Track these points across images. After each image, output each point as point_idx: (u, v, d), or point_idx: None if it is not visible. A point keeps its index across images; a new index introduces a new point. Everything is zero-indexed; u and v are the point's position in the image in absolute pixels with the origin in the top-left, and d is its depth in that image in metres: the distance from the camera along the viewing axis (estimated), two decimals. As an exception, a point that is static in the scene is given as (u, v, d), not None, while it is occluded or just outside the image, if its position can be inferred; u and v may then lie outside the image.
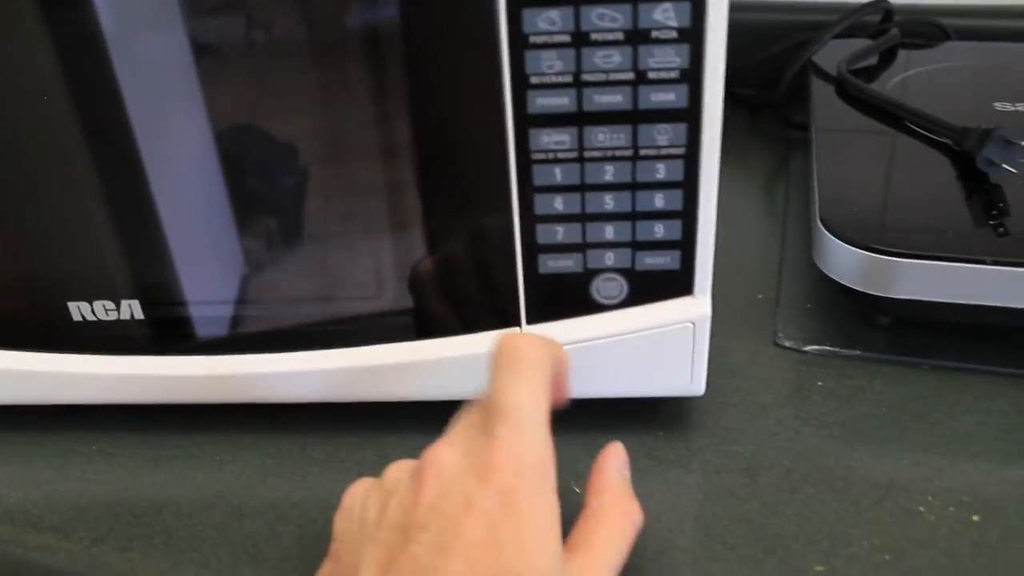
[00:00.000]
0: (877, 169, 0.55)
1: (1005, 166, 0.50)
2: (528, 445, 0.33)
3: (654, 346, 0.41)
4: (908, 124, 0.59)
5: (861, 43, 0.72)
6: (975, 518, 0.41)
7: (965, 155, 0.53)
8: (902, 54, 0.72)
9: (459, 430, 0.34)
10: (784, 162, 0.71)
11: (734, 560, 0.39)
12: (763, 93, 0.76)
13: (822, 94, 0.66)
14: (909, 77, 0.67)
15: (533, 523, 0.32)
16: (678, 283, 0.41)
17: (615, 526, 0.36)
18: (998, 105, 0.60)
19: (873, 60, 0.70)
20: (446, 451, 0.33)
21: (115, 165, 0.40)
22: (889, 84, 0.66)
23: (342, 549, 0.35)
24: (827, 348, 0.51)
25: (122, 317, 0.44)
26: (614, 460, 0.39)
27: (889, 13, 0.75)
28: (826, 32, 0.73)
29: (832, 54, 0.70)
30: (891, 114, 0.60)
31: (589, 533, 0.35)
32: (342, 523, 0.36)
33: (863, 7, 0.74)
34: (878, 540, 0.40)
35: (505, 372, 0.34)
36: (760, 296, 0.55)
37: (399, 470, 0.36)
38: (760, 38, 0.77)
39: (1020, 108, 0.60)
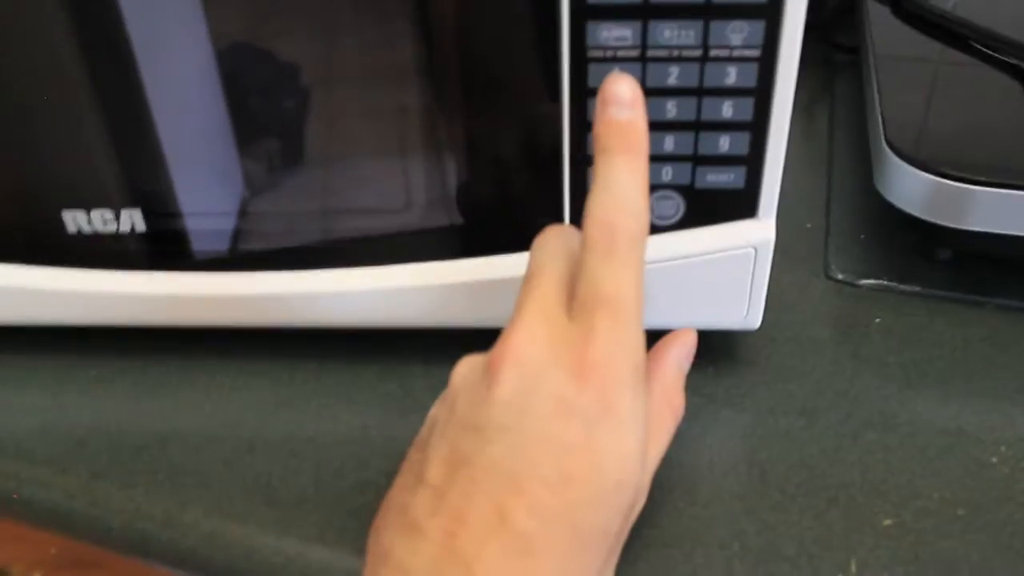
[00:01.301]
0: (942, 92, 0.50)
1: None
2: (630, 341, 0.29)
3: (710, 273, 0.38)
4: (973, 44, 0.54)
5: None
6: (1053, 470, 0.38)
7: (1037, 76, 0.49)
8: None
9: (538, 312, 0.30)
10: (828, 86, 0.67)
11: (795, 510, 0.36)
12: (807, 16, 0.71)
13: (877, 14, 0.61)
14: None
15: (632, 428, 0.29)
16: (741, 204, 0.36)
17: (660, 419, 0.33)
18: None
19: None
20: (528, 341, 0.29)
21: (111, 71, 0.36)
22: (950, 1, 0.61)
23: (413, 452, 0.32)
24: (884, 282, 0.47)
25: (122, 229, 0.40)
26: (677, 349, 0.35)
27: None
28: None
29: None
30: (955, 33, 0.55)
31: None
32: (422, 431, 0.33)
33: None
34: (949, 493, 0.37)
35: (602, 257, 0.29)
36: (809, 226, 0.51)
37: (468, 367, 0.31)
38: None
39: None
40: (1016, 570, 0.34)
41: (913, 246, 0.49)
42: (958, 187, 0.42)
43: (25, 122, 0.38)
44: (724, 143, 0.35)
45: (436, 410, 0.32)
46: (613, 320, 0.29)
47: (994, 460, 0.38)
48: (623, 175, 0.30)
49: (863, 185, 0.46)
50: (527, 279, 0.31)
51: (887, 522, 0.35)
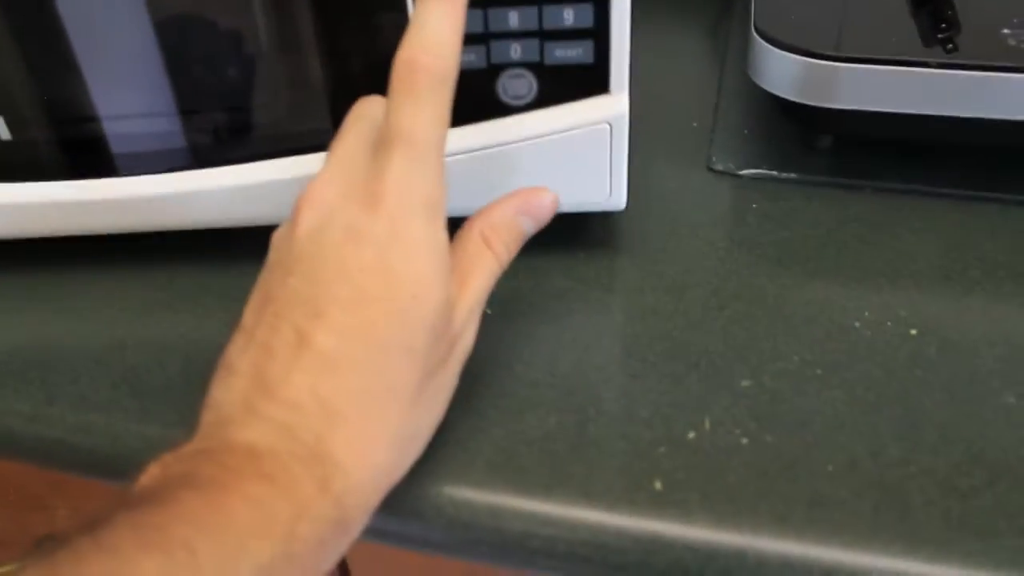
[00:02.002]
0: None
1: (955, -30, 0.46)
2: (421, 176, 0.30)
3: (568, 151, 0.38)
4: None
5: None
6: (913, 332, 0.38)
7: (915, -34, 0.49)
8: None
9: (337, 161, 0.31)
10: (729, 6, 0.67)
11: (653, 376, 0.37)
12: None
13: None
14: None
15: (426, 252, 0.30)
16: (592, 79, 0.37)
17: (475, 254, 0.33)
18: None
19: None
20: (324, 184, 0.31)
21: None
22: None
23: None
24: (763, 171, 0.48)
25: (-9, 139, 0.40)
26: (514, 199, 0.35)
27: None
28: None
29: None
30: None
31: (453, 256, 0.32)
32: None
33: None
34: (809, 355, 0.38)
35: (403, 95, 0.30)
36: (695, 124, 0.51)
37: (281, 227, 0.33)
38: None
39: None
40: (866, 421, 0.35)
41: (794, 136, 0.49)
42: (824, 65, 0.43)
43: None
44: (568, 16, 0.35)
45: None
46: (406, 154, 0.29)
47: (857, 324, 0.39)
48: (433, 17, 0.30)
49: (750, 86, 0.46)
50: (333, 140, 0.32)
51: (745, 383, 0.36)
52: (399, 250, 0.29)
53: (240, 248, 0.42)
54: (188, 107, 0.39)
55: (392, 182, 0.29)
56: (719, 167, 0.48)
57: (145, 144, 0.40)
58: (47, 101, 0.39)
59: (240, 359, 0.29)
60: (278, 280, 0.30)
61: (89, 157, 0.40)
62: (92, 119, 0.40)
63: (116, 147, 0.40)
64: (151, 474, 0.27)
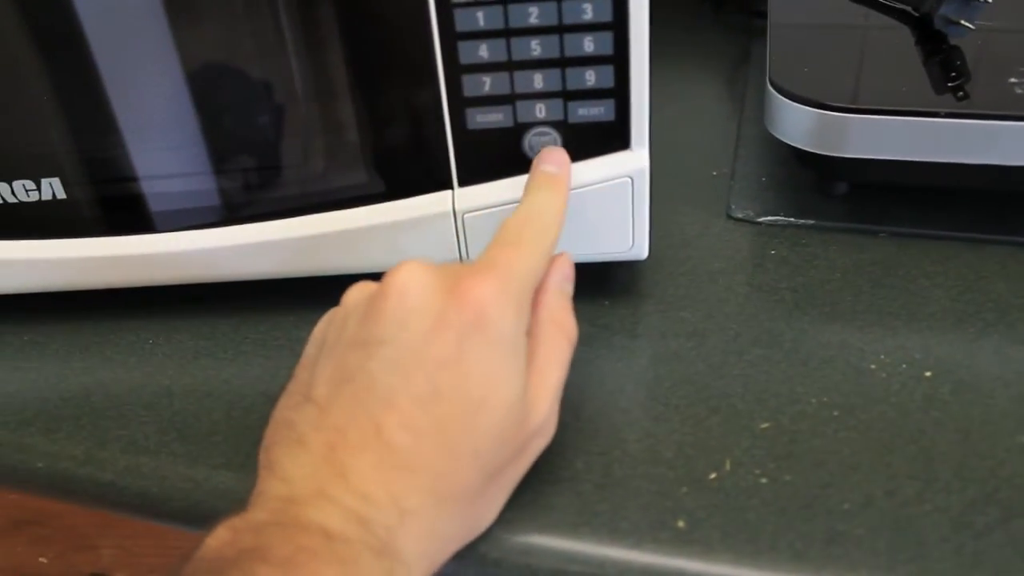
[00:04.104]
0: (832, 34, 0.52)
1: (963, 22, 0.48)
2: (519, 283, 0.32)
3: (592, 204, 0.40)
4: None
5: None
6: (927, 374, 0.40)
7: (923, 19, 0.51)
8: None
9: (425, 262, 0.33)
10: (748, 55, 0.69)
11: (676, 419, 0.38)
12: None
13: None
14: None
15: (504, 350, 0.31)
16: (614, 136, 0.39)
17: (552, 343, 0.34)
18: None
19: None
20: (416, 268, 0.32)
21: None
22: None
23: (301, 371, 0.34)
24: (781, 218, 0.49)
25: (43, 198, 0.42)
26: (554, 274, 0.37)
27: None
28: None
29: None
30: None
31: (529, 352, 0.33)
32: (308, 349, 0.35)
33: None
34: (827, 397, 0.39)
35: (507, 247, 0.33)
36: (715, 173, 0.53)
37: (359, 291, 0.34)
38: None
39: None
40: (881, 460, 0.36)
41: (811, 183, 0.51)
42: (837, 116, 0.45)
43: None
44: (591, 77, 0.37)
45: (323, 328, 0.34)
46: (509, 260, 0.32)
47: (872, 366, 0.40)
48: (540, 198, 0.34)
49: (767, 135, 0.48)
50: None
51: (764, 425, 0.38)
52: (478, 342, 0.30)
53: (277, 297, 0.44)
54: (223, 166, 0.41)
55: (485, 276, 0.31)
56: (739, 215, 0.49)
57: (182, 201, 0.43)
58: (92, 161, 0.42)
59: (313, 435, 0.30)
60: (358, 360, 0.31)
61: (129, 214, 0.43)
62: (132, 179, 0.42)
63: (154, 205, 0.43)
64: (221, 538, 0.28)
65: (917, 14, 0.52)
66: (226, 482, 0.37)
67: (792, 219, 0.49)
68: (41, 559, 0.48)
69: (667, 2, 0.48)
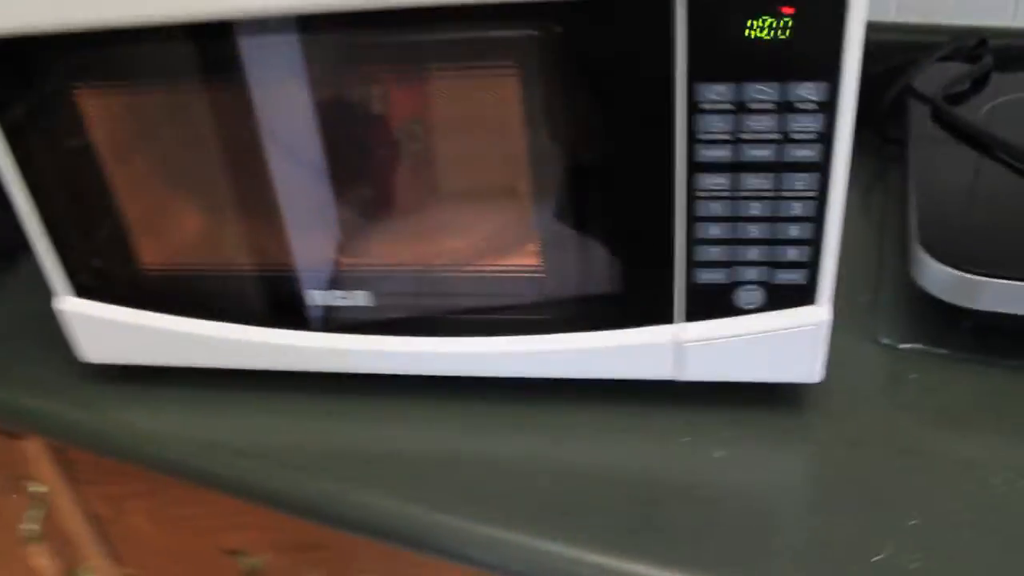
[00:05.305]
0: (969, 195, 0.64)
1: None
2: None
3: (784, 343, 0.53)
4: (999, 154, 0.68)
5: (957, 67, 0.80)
6: (1039, 488, 0.51)
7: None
8: (995, 77, 0.80)
9: None
10: (881, 175, 0.81)
11: (836, 511, 0.50)
12: (863, 110, 0.85)
13: (919, 117, 0.75)
14: (1000, 104, 0.76)
15: None
16: (805, 295, 0.51)
17: None
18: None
19: (966, 85, 0.79)
20: None
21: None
22: (983, 110, 0.75)
23: None
24: (919, 346, 0.61)
25: (352, 303, 0.57)
26: None
27: (983, 40, 0.83)
28: (927, 58, 0.82)
29: (928, 76, 0.78)
30: (983, 143, 0.69)
31: None
32: None
33: (961, 34, 0.83)
34: (961, 503, 0.51)
35: None
36: (862, 300, 0.65)
37: None
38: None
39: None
40: (1007, 558, 0.48)
41: (943, 318, 0.63)
42: (973, 279, 0.56)
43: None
44: (792, 253, 0.50)
45: None
46: None
47: (996, 481, 0.52)
48: None
49: (905, 267, 0.60)
50: None
51: (912, 522, 0.50)
52: None
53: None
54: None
55: None
56: (884, 341, 0.62)
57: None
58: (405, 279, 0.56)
59: None
60: None
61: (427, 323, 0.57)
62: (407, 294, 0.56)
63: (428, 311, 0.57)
64: None
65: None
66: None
67: (929, 347, 0.61)
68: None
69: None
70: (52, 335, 0.69)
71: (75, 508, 0.80)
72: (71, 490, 0.78)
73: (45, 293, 0.72)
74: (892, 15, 0.88)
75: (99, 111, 0.54)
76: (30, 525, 0.79)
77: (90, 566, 0.84)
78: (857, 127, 0.44)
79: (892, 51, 0.86)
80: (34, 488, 0.78)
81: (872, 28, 0.43)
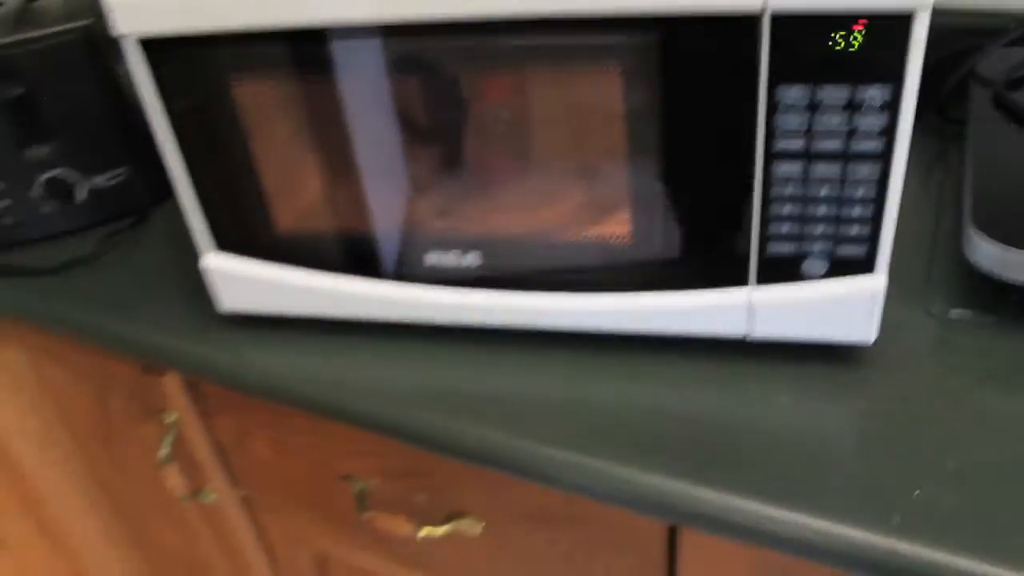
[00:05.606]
0: (1022, 177, 0.70)
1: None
2: None
3: (844, 307, 0.60)
4: (1053, 139, 0.74)
5: (1021, 52, 0.85)
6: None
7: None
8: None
9: None
10: (942, 155, 0.87)
11: (885, 455, 0.58)
12: (927, 92, 0.90)
13: (980, 101, 0.81)
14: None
15: None
16: (864, 265, 0.59)
17: None
18: None
19: (1027, 71, 0.84)
20: None
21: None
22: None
23: None
24: (968, 314, 0.68)
25: (465, 264, 0.66)
26: None
27: (1047, 26, 0.88)
28: (992, 43, 0.87)
29: (992, 61, 0.84)
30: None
31: None
32: None
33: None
34: (997, 453, 0.58)
35: None
36: (915, 270, 0.72)
37: None
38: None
39: None
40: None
41: (992, 291, 0.69)
42: (1021, 255, 0.63)
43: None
44: (855, 229, 0.58)
45: None
46: None
47: (1031, 432, 0.59)
48: None
49: (958, 241, 0.66)
50: None
51: (950, 465, 0.57)
52: None
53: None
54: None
55: None
56: (936, 309, 0.69)
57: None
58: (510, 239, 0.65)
59: None
60: None
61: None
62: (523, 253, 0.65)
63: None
64: None
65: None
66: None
67: (977, 316, 0.68)
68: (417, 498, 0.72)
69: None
70: (185, 283, 0.80)
71: (202, 436, 0.90)
72: (200, 421, 0.89)
73: (176, 246, 0.82)
74: (961, -1, 0.93)
75: (250, 97, 0.63)
76: (164, 450, 0.90)
77: (213, 487, 0.95)
78: (920, 108, 0.50)
79: (959, 35, 0.91)
80: (168, 419, 0.89)
81: (940, 13, 0.49)
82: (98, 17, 0.84)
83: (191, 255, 0.84)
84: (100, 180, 0.88)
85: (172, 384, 0.86)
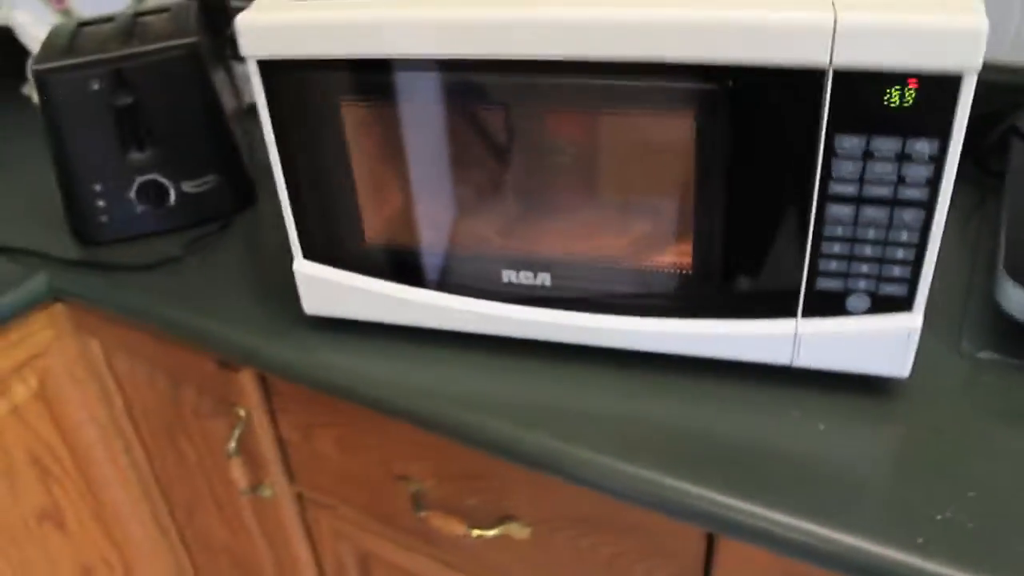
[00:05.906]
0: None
1: None
2: None
3: (882, 342, 0.65)
4: (1084, 197, 0.79)
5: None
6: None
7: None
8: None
9: None
10: (980, 204, 0.92)
11: (913, 481, 0.63)
12: (969, 145, 0.95)
13: (1019, 155, 0.86)
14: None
15: None
16: (903, 304, 0.64)
17: None
18: None
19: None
20: None
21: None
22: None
23: None
24: (996, 356, 0.73)
25: (537, 283, 0.72)
26: None
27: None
28: (1031, 103, 0.92)
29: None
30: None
31: None
32: None
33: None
34: (1015, 484, 0.63)
35: None
36: (950, 312, 0.77)
37: None
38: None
39: None
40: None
41: (1019, 334, 0.74)
42: (1046, 303, 0.68)
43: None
44: (896, 271, 0.63)
45: None
46: None
47: (1049, 469, 0.64)
48: None
49: (989, 287, 0.71)
50: None
51: (971, 494, 0.62)
52: None
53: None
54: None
55: None
56: (966, 349, 0.74)
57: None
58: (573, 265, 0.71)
59: None
60: None
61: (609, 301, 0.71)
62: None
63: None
64: None
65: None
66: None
67: (1005, 358, 0.73)
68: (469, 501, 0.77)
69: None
70: (263, 287, 0.86)
71: (268, 432, 0.97)
72: (267, 417, 0.95)
73: (256, 252, 0.88)
74: (1006, 54, 0.97)
75: (354, 118, 0.70)
76: (232, 443, 0.97)
77: (271, 482, 1.01)
78: (962, 160, 0.55)
79: (1003, 92, 0.96)
80: (240, 413, 0.95)
81: (985, 69, 0.54)
82: (201, 35, 0.92)
83: (269, 261, 0.90)
84: (190, 186, 0.95)
85: (246, 380, 0.92)
